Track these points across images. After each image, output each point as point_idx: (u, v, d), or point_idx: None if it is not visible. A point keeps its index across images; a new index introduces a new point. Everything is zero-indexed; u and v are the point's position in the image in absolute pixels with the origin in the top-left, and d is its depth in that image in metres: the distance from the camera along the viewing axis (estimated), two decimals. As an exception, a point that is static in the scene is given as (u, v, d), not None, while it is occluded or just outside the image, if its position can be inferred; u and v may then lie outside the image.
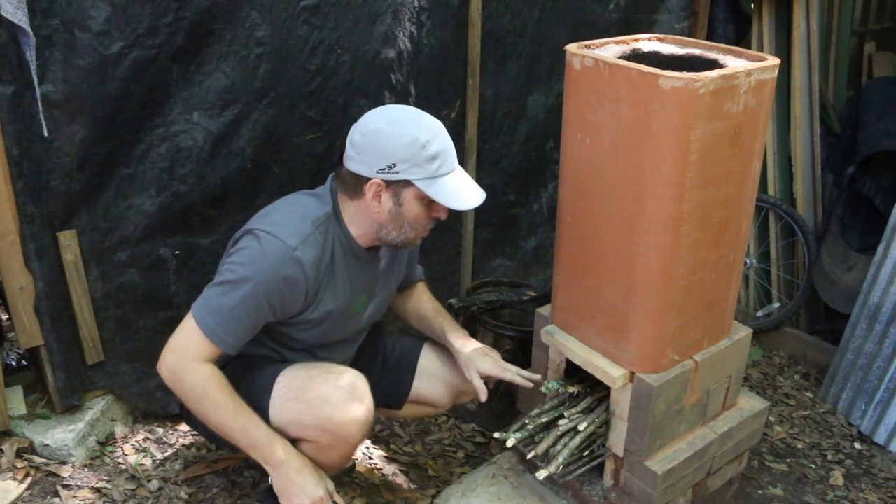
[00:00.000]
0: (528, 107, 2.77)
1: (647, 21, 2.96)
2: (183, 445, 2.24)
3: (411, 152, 1.59)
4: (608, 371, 1.81)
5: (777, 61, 1.68)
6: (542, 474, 1.79)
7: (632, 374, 1.80)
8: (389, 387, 2.01)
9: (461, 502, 2.03)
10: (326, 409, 1.65)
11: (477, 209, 2.73)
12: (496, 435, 1.90)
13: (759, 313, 3.30)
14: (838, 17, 3.48)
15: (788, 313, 3.19)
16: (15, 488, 1.96)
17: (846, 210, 3.18)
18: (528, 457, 1.84)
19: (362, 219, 1.70)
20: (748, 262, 3.30)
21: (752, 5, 3.19)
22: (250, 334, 1.66)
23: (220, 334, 1.60)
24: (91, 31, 1.81)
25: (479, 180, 2.22)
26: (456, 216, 2.71)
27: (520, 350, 2.34)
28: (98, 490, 2.02)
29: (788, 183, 3.27)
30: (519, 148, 2.81)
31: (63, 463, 2.08)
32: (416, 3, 2.33)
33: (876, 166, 3.05)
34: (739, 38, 3.21)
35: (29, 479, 2.01)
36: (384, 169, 1.60)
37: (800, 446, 2.63)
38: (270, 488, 1.72)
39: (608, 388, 1.86)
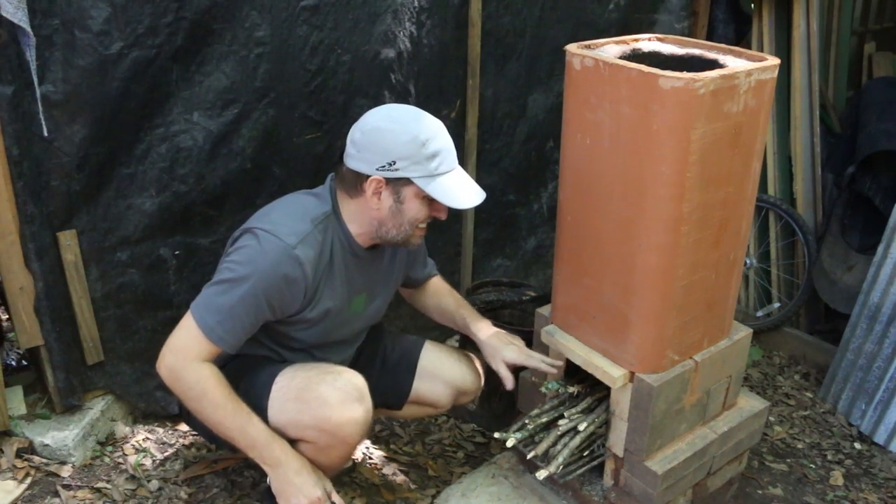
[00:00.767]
0: (528, 107, 2.77)
1: (647, 21, 2.96)
2: (183, 445, 2.24)
3: (411, 150, 1.60)
4: (608, 371, 1.81)
5: (777, 61, 1.68)
6: (542, 474, 1.79)
7: (632, 374, 1.80)
8: (389, 387, 2.01)
9: (461, 502, 2.03)
10: (325, 410, 1.65)
11: (477, 209, 2.74)
12: (496, 435, 1.90)
13: (759, 313, 3.30)
14: (838, 17, 3.48)
15: (788, 313, 3.19)
16: (15, 488, 1.96)
17: (846, 210, 3.18)
18: (528, 457, 1.84)
19: (362, 217, 1.70)
20: (748, 262, 3.30)
21: (752, 5, 3.19)
22: (249, 333, 1.66)
23: (219, 333, 1.59)
24: (91, 31, 1.81)
25: (479, 180, 2.22)
26: (456, 216, 2.71)
27: (520, 350, 2.34)
28: (98, 490, 2.02)
29: (788, 183, 3.27)
30: (519, 148, 2.81)
31: (63, 463, 2.08)
32: (416, 3, 2.33)
33: (876, 166, 3.05)
34: (739, 38, 3.21)
35: (29, 479, 2.01)
36: (384, 166, 1.61)
37: (800, 446, 2.63)
38: (269, 488, 1.72)
39: (608, 388, 1.86)
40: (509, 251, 2.98)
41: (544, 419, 1.90)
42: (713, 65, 1.68)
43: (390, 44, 2.32)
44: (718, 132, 1.59)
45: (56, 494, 1.98)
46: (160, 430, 2.29)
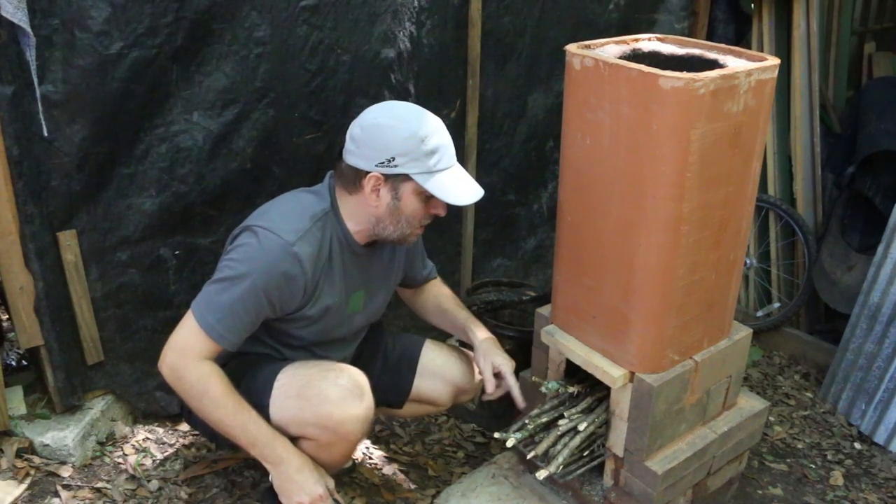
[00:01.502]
0: (528, 107, 2.77)
1: (647, 21, 2.96)
2: (183, 445, 2.24)
3: (410, 146, 1.60)
4: (608, 371, 1.81)
5: (777, 61, 1.68)
6: (542, 474, 1.79)
7: (632, 374, 1.80)
8: (390, 386, 2.01)
9: (461, 502, 2.03)
10: (326, 407, 1.66)
11: (477, 209, 2.74)
12: (496, 435, 1.90)
13: (759, 313, 3.30)
14: (838, 17, 3.48)
15: (788, 313, 3.19)
16: (15, 488, 1.96)
17: (846, 210, 3.18)
18: (528, 457, 1.84)
19: (360, 214, 1.70)
20: (748, 262, 3.30)
21: (752, 5, 3.19)
22: (250, 330, 1.66)
23: (220, 331, 1.60)
24: (91, 31, 1.81)
25: (479, 180, 2.21)
26: (456, 216, 2.71)
27: (520, 350, 2.34)
28: (98, 490, 2.02)
29: (788, 183, 3.27)
30: (519, 148, 2.81)
31: (63, 463, 2.08)
32: (416, 3, 2.33)
33: (876, 166, 3.05)
34: (739, 38, 3.21)
35: (29, 479, 2.01)
36: (383, 162, 1.61)
37: (800, 446, 2.63)
38: (271, 487, 1.72)
39: (608, 388, 1.86)
40: (509, 251, 2.98)
41: (544, 419, 1.90)
42: (713, 65, 1.68)
43: (390, 44, 2.32)
44: (718, 132, 1.59)
45: (56, 494, 1.98)
46: (160, 430, 2.29)
